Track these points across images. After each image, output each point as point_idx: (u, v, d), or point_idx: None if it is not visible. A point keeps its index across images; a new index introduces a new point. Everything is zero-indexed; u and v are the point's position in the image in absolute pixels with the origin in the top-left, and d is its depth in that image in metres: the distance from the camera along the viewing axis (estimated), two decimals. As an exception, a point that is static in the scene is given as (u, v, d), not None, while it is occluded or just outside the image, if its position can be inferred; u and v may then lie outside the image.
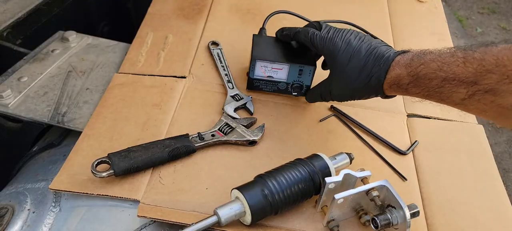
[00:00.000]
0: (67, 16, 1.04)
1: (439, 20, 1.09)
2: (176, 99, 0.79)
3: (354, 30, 0.67)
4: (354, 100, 0.68)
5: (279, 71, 0.77)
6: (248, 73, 0.79)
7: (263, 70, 0.77)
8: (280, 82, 0.78)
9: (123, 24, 1.23)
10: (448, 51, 0.56)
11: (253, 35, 0.81)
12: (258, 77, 0.78)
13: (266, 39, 0.81)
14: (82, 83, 0.82)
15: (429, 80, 0.56)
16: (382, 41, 0.66)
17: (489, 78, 0.49)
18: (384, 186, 0.59)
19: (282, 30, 0.79)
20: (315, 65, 0.76)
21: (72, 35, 0.91)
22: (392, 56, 0.61)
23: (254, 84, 0.79)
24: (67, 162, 0.67)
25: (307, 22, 0.77)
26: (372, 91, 0.64)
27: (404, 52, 0.62)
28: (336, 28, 0.69)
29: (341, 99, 0.69)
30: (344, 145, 0.75)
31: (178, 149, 0.67)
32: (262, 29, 0.85)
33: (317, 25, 0.72)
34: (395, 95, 0.65)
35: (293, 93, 0.80)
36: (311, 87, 0.78)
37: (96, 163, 0.63)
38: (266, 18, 0.87)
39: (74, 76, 0.84)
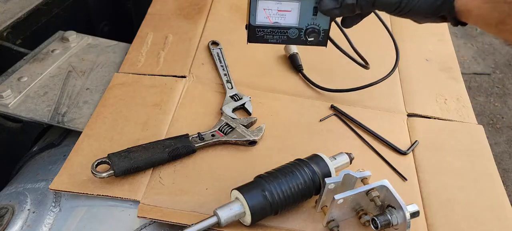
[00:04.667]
0: (67, 16, 1.04)
1: (439, 20, 1.09)
2: (176, 99, 0.79)
3: None
4: (404, 13, 0.55)
5: (288, 15, 0.63)
6: (248, 22, 0.65)
7: (267, 14, 0.64)
8: (290, 28, 0.65)
9: (123, 24, 1.23)
10: None
11: None
12: (261, 24, 0.64)
13: None
14: (82, 83, 0.82)
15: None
16: None
17: None
18: (384, 186, 0.59)
19: None
20: None
21: (72, 35, 0.91)
22: None
23: (256, 35, 0.65)
24: (67, 162, 0.67)
25: None
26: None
27: None
28: None
29: (388, 8, 0.57)
30: (344, 144, 0.75)
31: (178, 149, 0.67)
32: None
33: None
34: (465, 24, 0.53)
35: (309, 40, 0.66)
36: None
37: (96, 163, 0.63)
38: None
39: (74, 76, 0.83)
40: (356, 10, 0.60)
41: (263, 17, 0.63)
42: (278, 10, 0.62)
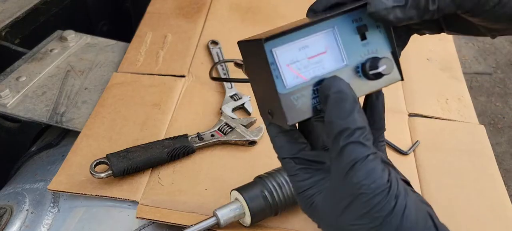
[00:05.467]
0: (65, 16, 1.04)
1: (440, 19, 1.08)
2: (175, 99, 0.78)
3: None
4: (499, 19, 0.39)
5: (325, 57, 0.38)
6: (275, 94, 0.37)
7: (296, 71, 0.37)
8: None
9: (122, 23, 1.23)
10: None
11: (238, 42, 0.41)
12: (295, 88, 0.37)
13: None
14: (81, 83, 0.82)
15: None
16: None
17: None
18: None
19: None
20: None
21: (70, 34, 0.90)
22: None
23: (296, 107, 0.37)
24: (66, 162, 0.66)
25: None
26: None
27: None
28: None
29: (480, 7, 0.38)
30: (345, 145, 0.74)
31: (177, 150, 0.67)
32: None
33: None
34: None
35: (375, 78, 0.39)
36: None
37: (94, 163, 0.63)
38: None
39: (72, 76, 0.83)
40: (430, 12, 0.37)
41: (293, 77, 0.37)
42: (308, 58, 0.38)
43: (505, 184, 0.72)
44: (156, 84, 0.80)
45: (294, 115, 0.37)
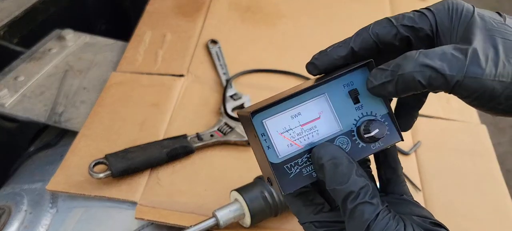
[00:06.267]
0: (64, 15, 1.04)
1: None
2: (174, 99, 0.78)
3: None
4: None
5: (319, 123, 0.38)
6: (268, 164, 0.37)
7: (289, 138, 0.38)
8: (334, 139, 0.38)
9: (121, 22, 1.22)
10: None
11: (237, 113, 0.41)
12: (288, 156, 0.37)
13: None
14: (79, 83, 0.81)
15: None
16: None
17: None
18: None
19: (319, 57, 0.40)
20: (372, 62, 0.38)
21: (69, 33, 0.90)
22: None
23: (290, 176, 0.37)
24: (64, 162, 0.66)
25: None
26: None
27: None
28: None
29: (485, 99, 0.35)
30: (345, 145, 0.74)
31: (177, 150, 0.66)
32: None
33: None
34: None
35: (370, 142, 0.38)
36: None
37: (93, 163, 0.62)
38: None
39: (71, 76, 0.83)
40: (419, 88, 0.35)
41: (285, 146, 0.37)
42: (302, 125, 0.37)
43: (506, 184, 0.72)
44: (155, 84, 0.80)
45: (289, 184, 0.37)
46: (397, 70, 0.35)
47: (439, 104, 0.84)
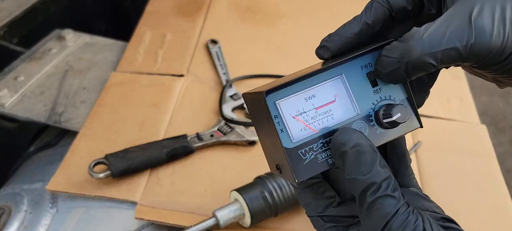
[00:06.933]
0: (64, 15, 1.03)
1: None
2: (174, 99, 0.78)
3: None
4: None
5: (334, 107, 0.35)
6: (281, 150, 0.34)
7: (303, 121, 0.34)
8: (351, 124, 0.36)
9: (121, 22, 1.22)
10: None
11: (243, 94, 0.38)
12: (303, 141, 0.34)
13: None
14: (79, 83, 0.81)
15: None
16: None
17: None
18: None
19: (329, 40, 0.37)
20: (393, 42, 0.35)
21: (69, 33, 0.90)
22: None
23: (305, 162, 0.34)
24: (64, 162, 0.66)
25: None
26: None
27: None
28: None
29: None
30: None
31: (176, 150, 0.66)
32: None
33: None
34: None
35: (389, 126, 0.36)
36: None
37: (93, 164, 0.62)
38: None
39: (71, 76, 0.83)
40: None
41: (299, 130, 0.34)
42: (316, 108, 0.35)
43: (506, 184, 0.72)
44: (155, 84, 0.80)
45: (303, 172, 0.34)
46: (403, 58, 0.33)
47: (439, 104, 0.83)
